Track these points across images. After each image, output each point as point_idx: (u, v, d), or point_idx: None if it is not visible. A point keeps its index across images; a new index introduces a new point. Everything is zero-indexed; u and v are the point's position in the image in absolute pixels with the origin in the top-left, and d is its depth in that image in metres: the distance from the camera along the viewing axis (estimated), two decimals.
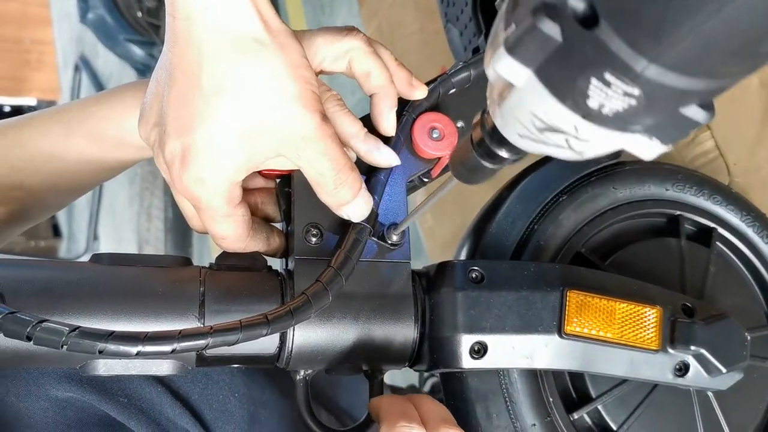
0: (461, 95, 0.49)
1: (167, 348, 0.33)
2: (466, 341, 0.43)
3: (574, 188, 0.52)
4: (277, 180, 0.48)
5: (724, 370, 0.45)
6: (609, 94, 0.24)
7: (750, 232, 0.56)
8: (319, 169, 0.40)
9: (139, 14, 2.58)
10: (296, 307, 0.37)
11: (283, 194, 0.47)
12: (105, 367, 0.39)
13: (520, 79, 0.26)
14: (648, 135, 0.26)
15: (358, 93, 0.46)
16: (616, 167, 0.54)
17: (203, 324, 0.40)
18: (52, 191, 0.54)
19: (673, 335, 0.45)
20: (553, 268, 0.46)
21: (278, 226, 0.49)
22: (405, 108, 0.47)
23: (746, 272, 0.56)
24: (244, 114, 0.37)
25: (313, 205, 0.44)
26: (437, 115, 0.48)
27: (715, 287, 0.53)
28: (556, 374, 0.48)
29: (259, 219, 0.47)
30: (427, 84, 0.48)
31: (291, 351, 0.42)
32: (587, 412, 0.47)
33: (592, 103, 0.24)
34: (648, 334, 0.44)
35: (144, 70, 2.79)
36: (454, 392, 0.48)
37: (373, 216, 0.44)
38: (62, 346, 0.32)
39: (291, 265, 0.44)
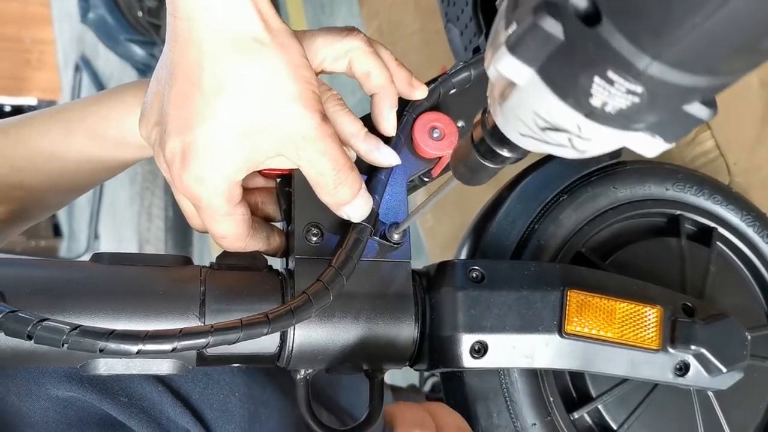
0: (462, 95, 0.49)
1: (168, 347, 0.33)
2: (467, 341, 0.43)
3: (575, 188, 0.52)
4: (278, 179, 0.48)
5: (724, 370, 0.45)
6: (612, 92, 0.24)
7: (750, 232, 0.56)
8: (318, 169, 0.40)
9: (140, 14, 2.58)
10: (297, 307, 0.37)
11: (283, 194, 0.47)
12: (105, 367, 0.39)
13: (522, 78, 0.26)
14: (651, 133, 0.26)
15: (358, 93, 0.46)
16: (616, 167, 0.54)
17: (204, 323, 0.40)
18: (52, 190, 0.54)
19: (673, 335, 0.45)
20: (553, 267, 0.46)
21: (279, 225, 0.49)
22: (405, 108, 0.48)
23: (746, 272, 0.56)
24: (244, 113, 0.37)
25: (313, 204, 0.44)
26: (438, 115, 0.48)
27: (716, 287, 0.53)
28: (557, 374, 0.48)
29: (259, 218, 0.47)
30: (428, 84, 0.48)
31: (291, 350, 0.42)
32: (587, 411, 0.47)
33: (595, 101, 0.24)
34: (648, 333, 0.44)
35: (145, 70, 2.79)
36: (455, 392, 0.48)
37: (373, 215, 0.44)
38: (63, 345, 0.32)
39: (291, 265, 0.44)
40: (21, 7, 4.20)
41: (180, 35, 0.36)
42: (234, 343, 0.35)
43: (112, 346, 0.32)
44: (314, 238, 0.44)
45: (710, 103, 0.25)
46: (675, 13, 0.20)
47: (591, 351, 0.44)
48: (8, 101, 4.26)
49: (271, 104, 0.37)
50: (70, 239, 4.14)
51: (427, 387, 1.10)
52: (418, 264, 0.47)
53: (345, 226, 0.44)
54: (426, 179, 0.51)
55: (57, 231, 4.37)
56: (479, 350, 0.43)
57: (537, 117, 0.27)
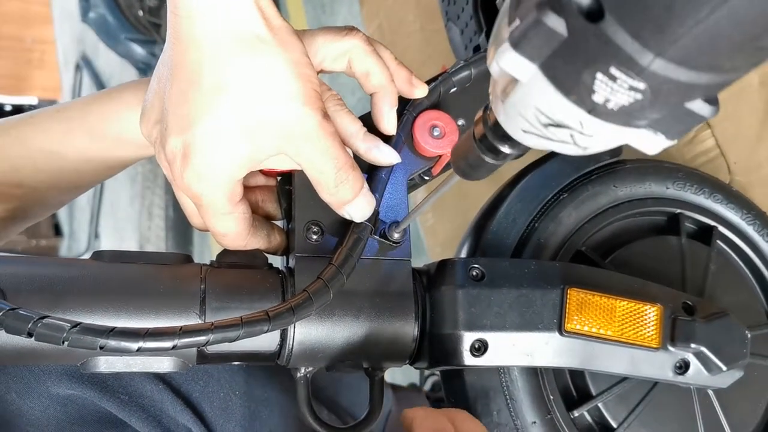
0: (462, 93, 0.49)
1: (168, 344, 0.33)
2: (467, 339, 0.43)
3: (575, 186, 0.52)
4: (278, 178, 0.48)
5: (724, 368, 0.45)
6: (614, 89, 0.24)
7: (750, 231, 0.56)
8: (319, 168, 0.40)
9: (140, 13, 2.58)
10: (297, 304, 0.37)
11: (284, 192, 0.47)
12: (106, 364, 0.39)
13: (524, 74, 0.26)
14: (653, 130, 0.26)
15: (358, 92, 0.46)
16: (616, 165, 0.54)
17: (204, 321, 0.40)
18: (52, 189, 0.54)
19: (673, 333, 0.45)
20: (553, 266, 0.46)
21: (279, 223, 0.49)
22: (406, 106, 0.48)
23: (746, 270, 0.56)
24: (245, 111, 0.37)
25: (314, 202, 0.44)
26: (438, 113, 0.48)
27: (716, 285, 0.53)
28: (557, 372, 0.48)
29: (259, 217, 0.47)
30: (428, 83, 0.48)
31: (292, 348, 0.42)
32: (588, 409, 0.48)
33: (598, 98, 0.24)
34: (648, 331, 0.44)
35: (145, 69, 2.79)
36: (455, 390, 0.48)
37: (374, 214, 0.44)
38: (63, 342, 0.32)
39: (292, 263, 0.44)
40: (22, 7, 4.20)
41: (180, 33, 0.36)
42: (234, 340, 0.35)
43: (113, 343, 0.32)
44: (315, 237, 0.44)
45: (712, 101, 0.25)
46: (678, 10, 0.20)
47: (591, 349, 0.44)
48: (9, 100, 4.26)
49: (272, 102, 0.37)
50: (70, 239, 4.14)
51: (427, 386, 1.10)
52: (418, 262, 0.47)
53: (345, 224, 0.44)
54: (426, 178, 0.51)
55: (57, 230, 4.37)
56: (479, 348, 0.43)
57: (539, 113, 0.27)
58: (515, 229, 0.51)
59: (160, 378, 0.50)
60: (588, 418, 0.48)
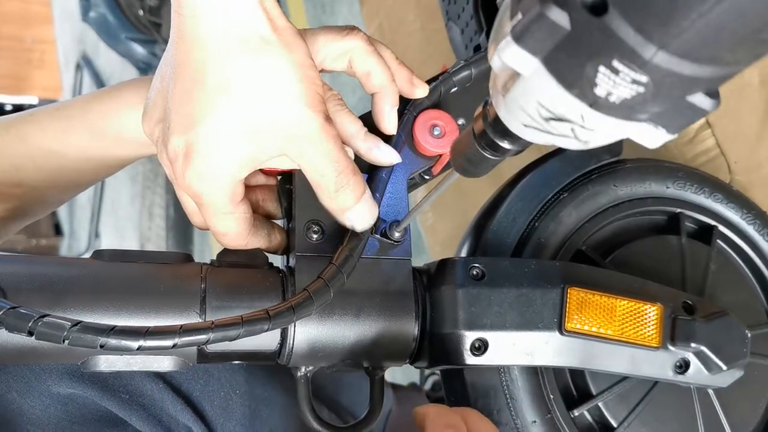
0: (463, 93, 0.49)
1: (168, 343, 0.33)
2: (467, 338, 0.43)
3: (575, 186, 0.52)
4: (279, 177, 0.48)
5: (724, 368, 0.45)
6: (617, 82, 0.24)
7: (750, 230, 0.56)
8: (320, 170, 0.40)
9: (141, 12, 2.58)
10: (297, 304, 0.37)
11: (284, 191, 0.47)
12: (106, 363, 0.39)
13: (526, 68, 0.26)
14: (654, 123, 0.26)
15: (359, 91, 0.46)
16: (616, 165, 0.54)
17: (204, 320, 0.40)
18: (52, 188, 0.54)
19: (673, 332, 0.45)
20: (553, 265, 0.46)
21: (279, 222, 0.49)
22: (406, 106, 0.48)
23: (747, 270, 0.56)
24: (248, 112, 0.37)
25: (314, 202, 0.44)
26: (438, 113, 0.48)
27: (716, 285, 0.53)
28: (557, 371, 0.48)
29: (260, 216, 0.47)
30: (429, 82, 0.48)
31: (292, 347, 0.42)
32: (588, 409, 0.48)
33: (600, 91, 0.24)
34: (648, 331, 0.44)
35: (146, 68, 2.79)
36: (455, 389, 0.48)
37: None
38: (64, 341, 0.32)
39: (292, 262, 0.44)
40: (22, 7, 4.20)
41: (184, 32, 0.36)
42: (234, 339, 0.35)
43: (113, 342, 0.32)
44: (315, 236, 0.44)
45: (714, 94, 0.25)
46: (682, 3, 0.20)
47: (591, 348, 0.44)
48: (9, 100, 4.26)
49: (275, 103, 0.37)
50: (71, 238, 4.14)
51: (427, 385, 1.10)
52: (418, 262, 0.47)
53: None
54: (427, 177, 0.51)
55: (58, 230, 4.38)
56: (479, 347, 0.43)
57: (540, 107, 0.27)
58: (515, 228, 0.51)
59: (161, 377, 0.50)
60: (588, 417, 0.48)
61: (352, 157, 0.45)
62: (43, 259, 0.41)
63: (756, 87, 0.70)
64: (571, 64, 0.25)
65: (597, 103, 0.25)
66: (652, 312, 0.45)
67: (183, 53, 0.37)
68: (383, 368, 0.46)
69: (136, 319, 0.39)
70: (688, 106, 0.25)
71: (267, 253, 0.46)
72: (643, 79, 0.23)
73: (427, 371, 1.10)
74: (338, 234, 0.44)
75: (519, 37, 0.25)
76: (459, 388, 0.47)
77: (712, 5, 0.20)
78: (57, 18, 4.11)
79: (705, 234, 0.55)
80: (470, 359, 0.43)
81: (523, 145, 0.32)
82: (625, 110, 0.25)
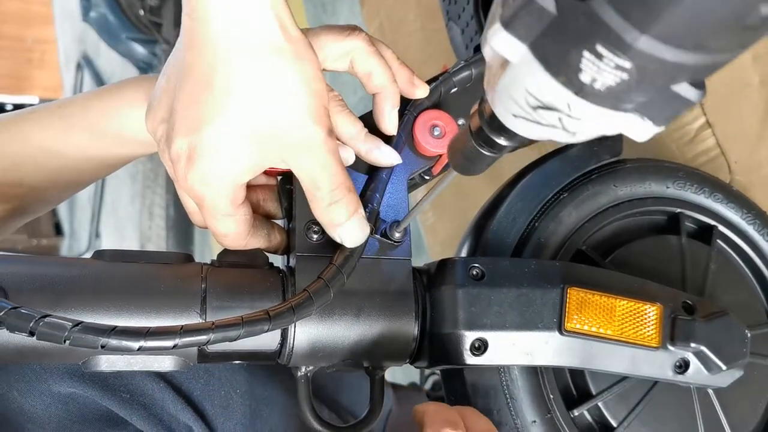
0: (463, 93, 0.50)
1: (169, 343, 0.33)
2: (467, 338, 0.43)
3: (575, 186, 0.52)
4: (279, 177, 0.48)
5: (724, 368, 0.45)
6: (601, 68, 0.24)
7: (750, 230, 0.56)
8: (317, 183, 0.40)
9: (141, 12, 2.58)
10: (298, 304, 0.37)
11: (284, 191, 0.47)
12: (107, 363, 0.39)
13: (515, 54, 0.26)
14: (640, 114, 0.26)
15: (360, 91, 0.47)
16: (616, 165, 0.54)
17: (205, 320, 0.40)
18: (52, 186, 0.54)
19: (673, 332, 0.45)
20: (553, 265, 0.46)
21: (279, 222, 0.49)
22: (407, 106, 0.48)
23: (747, 270, 0.56)
24: (253, 117, 0.37)
25: None
26: (438, 113, 0.48)
27: (716, 285, 0.53)
28: (557, 371, 0.48)
29: (260, 216, 0.47)
30: (429, 82, 0.49)
31: (292, 347, 0.42)
32: (588, 409, 0.48)
33: (585, 77, 0.25)
34: (648, 331, 0.44)
35: (146, 68, 2.79)
36: (455, 389, 0.48)
37: (374, 213, 0.44)
38: (65, 341, 0.32)
39: (292, 262, 0.44)
40: (22, 6, 4.20)
41: (195, 36, 0.36)
42: (235, 340, 0.35)
43: (114, 342, 0.33)
44: (315, 236, 0.44)
45: (699, 85, 0.25)
46: None
47: (591, 348, 0.44)
48: (10, 100, 4.26)
49: (281, 113, 0.37)
50: (71, 238, 4.14)
51: (427, 385, 1.10)
52: (419, 262, 0.47)
53: None
54: (427, 177, 0.51)
55: (58, 229, 4.38)
56: (479, 347, 0.43)
57: (528, 95, 0.27)
58: (515, 228, 0.51)
59: (161, 376, 0.50)
60: (588, 417, 0.48)
61: (353, 158, 0.45)
62: (44, 259, 0.41)
63: (756, 87, 0.70)
64: (557, 50, 0.25)
65: (583, 91, 0.25)
66: (651, 312, 0.45)
67: (193, 56, 0.37)
68: (383, 368, 0.46)
69: (137, 319, 0.39)
70: (673, 95, 0.25)
71: (267, 253, 0.46)
72: (627, 64, 0.23)
73: (427, 371, 1.10)
74: None
75: (507, 23, 0.25)
76: (459, 387, 0.47)
77: None
78: (57, 18, 4.11)
79: (705, 234, 0.55)
80: (470, 359, 0.43)
81: (518, 141, 0.32)
82: (611, 99, 0.25)
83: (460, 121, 0.49)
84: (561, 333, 0.43)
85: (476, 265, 0.44)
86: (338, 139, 0.44)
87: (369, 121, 0.47)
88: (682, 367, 0.46)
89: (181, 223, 2.61)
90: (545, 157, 0.53)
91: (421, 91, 0.47)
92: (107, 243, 3.53)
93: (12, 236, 0.58)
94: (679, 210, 0.54)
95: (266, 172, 0.48)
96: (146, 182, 2.98)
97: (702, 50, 0.23)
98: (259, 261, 0.44)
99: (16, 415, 0.45)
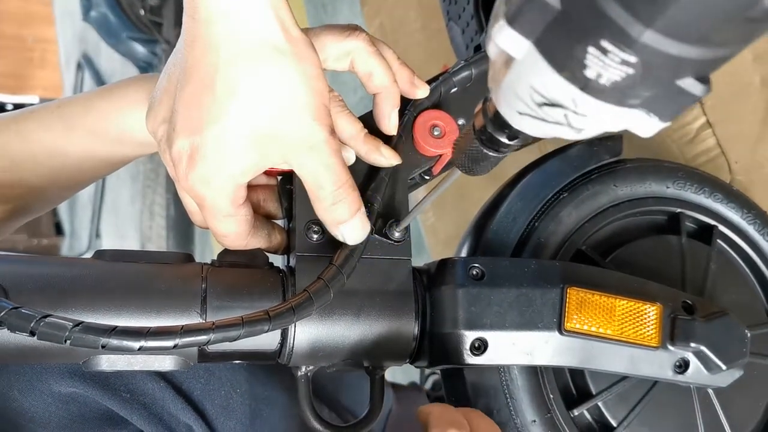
0: (463, 93, 0.50)
1: (170, 343, 0.33)
2: (467, 338, 0.43)
3: (575, 185, 0.52)
4: (279, 177, 0.49)
5: (724, 367, 0.45)
6: (606, 63, 0.24)
7: (751, 230, 0.56)
8: (319, 182, 0.40)
9: (142, 12, 2.58)
10: (298, 304, 0.38)
11: (285, 191, 0.47)
12: (108, 363, 0.39)
13: (519, 50, 0.26)
14: (646, 110, 0.26)
15: (360, 91, 0.47)
16: (617, 165, 0.54)
17: (205, 320, 0.40)
18: (53, 186, 0.54)
19: (673, 332, 0.45)
20: (553, 265, 0.46)
21: (280, 222, 0.49)
22: (407, 106, 0.48)
23: (747, 270, 0.56)
24: (255, 118, 0.37)
25: None
26: (439, 113, 0.48)
27: (716, 284, 0.53)
28: (557, 371, 0.48)
29: (260, 216, 0.47)
30: (429, 82, 0.49)
31: (292, 347, 0.42)
32: (587, 408, 0.48)
33: (590, 73, 0.25)
34: (648, 331, 0.44)
35: (146, 67, 2.79)
36: (455, 388, 0.48)
37: (374, 213, 0.44)
38: (66, 341, 0.32)
39: (292, 262, 0.44)
40: (23, 6, 4.20)
41: (197, 37, 0.36)
42: (235, 340, 0.35)
43: (115, 342, 0.33)
44: (315, 236, 0.44)
45: (704, 79, 0.25)
46: None
47: (591, 348, 0.44)
48: (10, 99, 4.26)
49: (283, 113, 0.37)
50: (71, 238, 4.14)
51: (428, 385, 1.10)
52: (419, 261, 0.47)
53: None
54: (427, 177, 0.51)
55: (59, 229, 4.37)
56: (479, 347, 0.43)
57: (534, 92, 0.27)
58: (515, 228, 0.51)
59: (162, 376, 0.50)
60: (588, 416, 0.48)
61: (354, 158, 0.46)
62: (44, 259, 0.41)
63: (757, 87, 0.70)
64: (561, 46, 0.25)
65: (588, 87, 0.25)
66: (651, 312, 0.45)
67: (194, 57, 0.37)
68: (383, 368, 0.46)
69: (138, 319, 0.39)
70: (678, 90, 0.25)
71: (267, 253, 0.46)
72: (632, 59, 0.23)
73: (427, 371, 1.10)
74: None
75: (512, 19, 0.25)
76: (459, 387, 0.47)
77: None
78: (58, 17, 4.11)
79: (705, 234, 0.55)
80: (470, 359, 0.43)
81: (523, 139, 0.32)
82: (616, 95, 0.25)
83: (460, 121, 0.49)
84: (561, 333, 0.43)
85: (476, 265, 0.44)
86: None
87: (369, 121, 0.47)
88: (682, 366, 0.46)
89: (182, 223, 2.60)
90: (545, 157, 0.53)
91: (421, 92, 0.47)
92: (108, 243, 3.53)
93: (12, 236, 0.58)
94: (679, 210, 0.54)
95: (266, 173, 0.48)
96: (147, 182, 2.98)
97: (706, 44, 0.23)
98: (259, 261, 0.44)
99: (17, 415, 0.45)
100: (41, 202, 0.56)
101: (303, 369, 0.44)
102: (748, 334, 0.47)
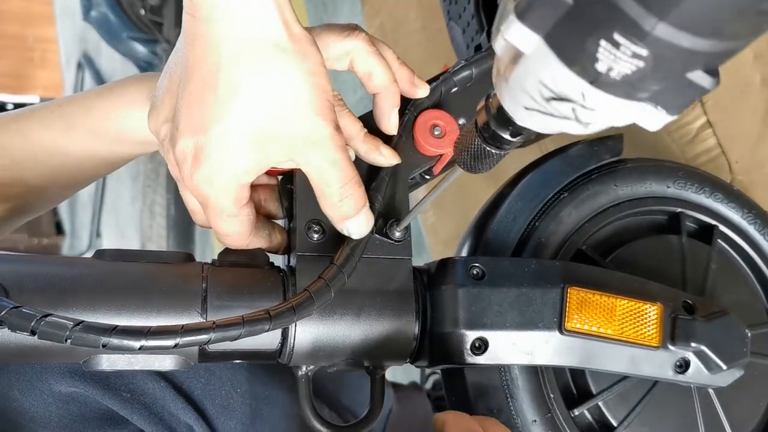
0: (463, 93, 0.50)
1: (170, 342, 0.33)
2: (467, 337, 0.43)
3: (576, 185, 0.52)
4: (280, 177, 0.49)
5: (724, 367, 0.45)
6: (617, 56, 0.24)
7: (751, 230, 0.56)
8: (326, 179, 0.40)
9: (142, 12, 2.58)
10: (298, 304, 0.38)
11: (285, 191, 0.47)
12: (108, 362, 0.39)
13: (529, 45, 0.26)
14: (654, 103, 0.26)
15: (360, 91, 0.47)
16: (617, 164, 0.54)
17: (206, 319, 0.40)
18: (53, 185, 0.54)
19: (673, 332, 0.45)
20: (553, 265, 0.46)
21: (280, 222, 0.49)
22: (407, 106, 0.48)
23: (747, 269, 0.56)
24: (259, 117, 0.37)
25: (315, 201, 0.44)
26: (439, 113, 0.48)
27: (716, 284, 0.53)
28: (557, 370, 0.48)
29: (261, 216, 0.47)
30: (430, 82, 0.49)
31: (293, 347, 0.42)
32: (588, 408, 0.48)
33: (601, 66, 0.25)
34: (648, 330, 0.44)
35: (147, 67, 2.79)
36: (455, 388, 0.48)
37: (375, 213, 0.44)
38: (66, 341, 0.32)
39: (293, 262, 0.44)
40: (23, 5, 4.21)
41: (198, 36, 0.36)
42: (235, 339, 0.35)
43: (115, 341, 0.33)
44: (316, 236, 0.44)
45: (713, 72, 0.25)
46: None
47: (591, 348, 0.44)
48: (11, 99, 4.26)
49: (286, 110, 0.37)
50: (72, 237, 4.14)
51: (428, 384, 1.10)
52: (420, 261, 0.47)
53: None
54: (427, 177, 0.51)
55: (59, 229, 4.38)
56: (480, 347, 0.43)
57: (542, 87, 0.27)
58: (516, 228, 0.51)
59: (162, 375, 0.50)
60: (588, 416, 0.48)
61: (353, 158, 0.46)
62: (45, 258, 0.41)
63: (757, 87, 0.70)
64: (572, 40, 0.25)
65: (598, 80, 0.25)
66: (652, 312, 0.45)
67: (196, 56, 0.37)
68: (384, 367, 0.46)
69: (138, 318, 0.39)
70: (687, 83, 0.25)
71: (268, 253, 0.46)
72: (644, 52, 0.23)
73: (427, 370, 1.10)
74: (339, 234, 0.44)
75: (522, 14, 0.25)
76: (459, 387, 0.47)
77: None
78: (58, 17, 4.11)
79: (705, 234, 0.55)
80: (470, 358, 0.43)
81: (525, 136, 0.32)
82: (626, 88, 0.25)
83: (461, 121, 0.49)
84: (561, 332, 0.43)
85: (477, 264, 0.44)
86: None
87: (369, 121, 0.47)
88: (683, 366, 0.46)
89: (182, 223, 2.61)
90: (545, 156, 0.53)
91: (421, 91, 0.47)
92: (108, 242, 3.53)
93: (13, 235, 0.58)
94: (679, 210, 0.54)
95: (268, 172, 0.48)
96: (147, 182, 2.98)
97: (718, 36, 0.23)
98: (259, 261, 0.44)
99: (17, 415, 0.46)
100: (41, 201, 0.56)
101: (303, 369, 0.44)
102: (749, 334, 0.47)
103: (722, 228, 0.55)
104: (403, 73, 0.47)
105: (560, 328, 0.43)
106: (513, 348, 0.43)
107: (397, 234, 0.45)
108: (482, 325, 0.43)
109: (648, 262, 0.52)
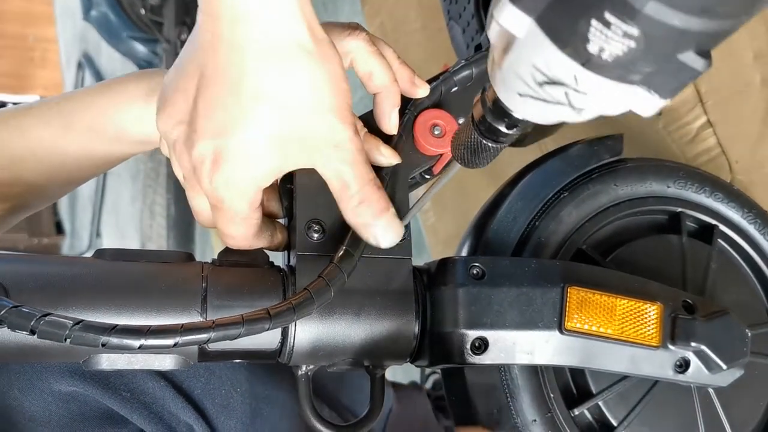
0: (463, 92, 0.50)
1: (170, 342, 0.33)
2: (467, 337, 0.43)
3: (576, 185, 0.52)
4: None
5: (724, 367, 0.45)
6: (609, 36, 0.24)
7: (751, 230, 0.56)
8: (345, 181, 0.40)
9: (142, 11, 2.58)
10: (298, 303, 0.38)
11: (285, 190, 0.47)
12: (108, 362, 0.39)
13: (521, 28, 0.26)
14: (647, 87, 0.26)
15: (360, 91, 0.46)
16: (617, 164, 0.54)
17: (205, 319, 0.40)
18: (52, 182, 0.54)
19: (673, 332, 0.45)
20: (553, 264, 0.46)
21: (280, 221, 0.49)
22: (407, 105, 0.48)
23: (747, 269, 0.56)
24: (281, 120, 0.37)
25: (315, 201, 0.44)
26: (439, 112, 0.48)
27: (717, 284, 0.53)
28: (557, 370, 0.48)
29: (264, 216, 0.47)
30: (430, 82, 0.49)
31: (293, 346, 0.42)
32: (588, 408, 0.48)
33: (592, 47, 0.25)
34: (648, 330, 0.44)
35: (146, 67, 2.79)
36: (455, 388, 0.48)
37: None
38: (66, 340, 0.32)
39: (293, 261, 0.44)
40: (24, 5, 4.21)
41: (220, 37, 0.35)
42: (235, 338, 0.35)
43: (115, 340, 0.33)
44: (316, 235, 0.44)
45: (705, 54, 0.25)
46: None
47: (591, 347, 0.44)
48: (11, 99, 4.26)
49: (309, 113, 0.37)
50: (72, 237, 4.14)
51: (428, 384, 1.10)
52: (420, 261, 0.47)
53: (346, 223, 0.44)
54: (427, 176, 0.51)
55: (59, 228, 4.38)
56: (480, 346, 0.43)
57: (535, 71, 0.27)
58: (516, 227, 0.51)
59: (162, 375, 0.50)
60: (588, 416, 0.48)
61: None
62: (45, 258, 0.41)
63: (757, 86, 0.70)
64: (563, 21, 0.25)
65: (590, 62, 0.25)
66: (652, 311, 0.45)
67: (217, 57, 0.36)
68: (384, 367, 0.46)
69: (138, 317, 0.39)
70: (679, 65, 0.25)
71: (267, 251, 0.46)
72: (635, 31, 0.23)
73: (427, 370, 1.10)
74: (339, 233, 0.44)
75: None
76: (459, 386, 0.48)
77: None
78: (58, 16, 4.11)
79: (706, 233, 0.55)
80: (470, 358, 0.43)
81: (522, 127, 0.32)
82: (618, 70, 0.25)
83: (461, 121, 0.49)
84: (561, 332, 0.43)
85: (477, 264, 0.44)
86: None
87: (369, 121, 0.47)
88: (683, 366, 0.46)
89: (182, 223, 2.61)
90: (546, 156, 0.53)
91: (421, 91, 0.47)
92: (108, 242, 3.53)
93: (13, 235, 0.58)
94: (679, 209, 0.54)
95: None
96: (147, 181, 2.98)
97: (709, 15, 0.23)
98: (259, 260, 0.44)
99: (17, 414, 0.46)
100: (40, 199, 0.56)
101: (303, 368, 0.44)
102: (749, 334, 0.47)
103: (722, 228, 0.55)
104: (404, 73, 0.47)
105: (560, 327, 0.43)
106: (513, 347, 0.43)
107: None
108: (482, 324, 0.43)
109: (648, 262, 0.52)
